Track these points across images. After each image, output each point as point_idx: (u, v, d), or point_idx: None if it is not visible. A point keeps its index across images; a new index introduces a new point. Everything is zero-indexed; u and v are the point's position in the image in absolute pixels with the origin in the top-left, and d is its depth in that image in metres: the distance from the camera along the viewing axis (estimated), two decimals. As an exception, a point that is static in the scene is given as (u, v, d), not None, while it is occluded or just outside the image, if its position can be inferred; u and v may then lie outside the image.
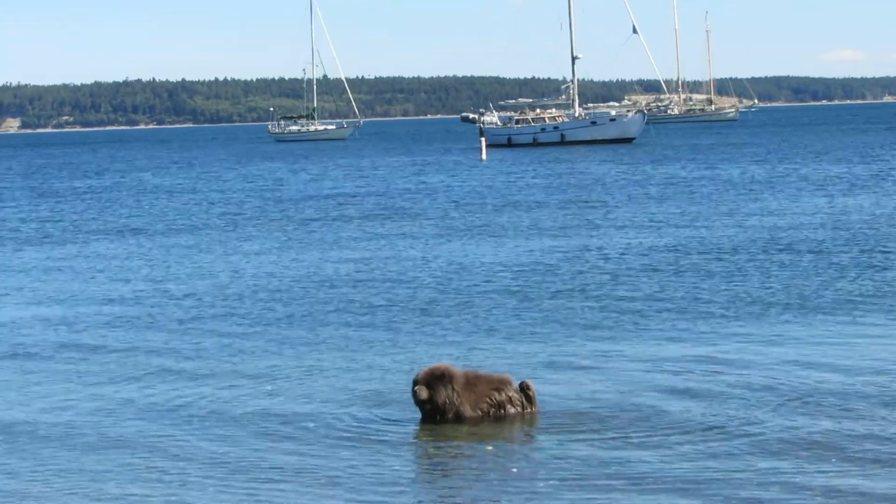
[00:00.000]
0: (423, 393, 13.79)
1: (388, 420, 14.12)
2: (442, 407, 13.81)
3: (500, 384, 14.14)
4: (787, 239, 31.35)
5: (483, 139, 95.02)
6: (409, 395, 14.03)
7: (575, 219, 39.25)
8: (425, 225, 39.15)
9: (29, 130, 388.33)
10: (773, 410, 14.00)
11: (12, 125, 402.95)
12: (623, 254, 29.47)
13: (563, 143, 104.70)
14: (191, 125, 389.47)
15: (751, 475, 11.62)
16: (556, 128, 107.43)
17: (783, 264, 26.59)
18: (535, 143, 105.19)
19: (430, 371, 13.94)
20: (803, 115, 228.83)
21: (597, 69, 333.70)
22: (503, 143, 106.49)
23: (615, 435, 13.17)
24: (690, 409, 14.18)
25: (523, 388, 14.21)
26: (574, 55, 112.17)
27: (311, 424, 14.05)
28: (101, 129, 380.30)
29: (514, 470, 12.08)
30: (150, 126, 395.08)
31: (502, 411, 14.02)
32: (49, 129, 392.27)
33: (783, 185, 51.39)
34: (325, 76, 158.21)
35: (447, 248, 32.26)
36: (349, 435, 13.60)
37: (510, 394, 14.11)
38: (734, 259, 27.78)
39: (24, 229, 42.53)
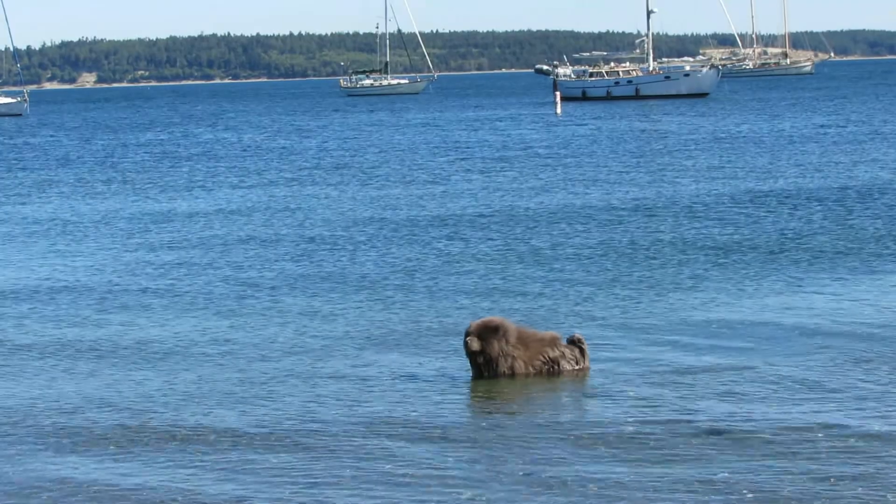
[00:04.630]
0: (475, 344, 13.55)
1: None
2: (496, 360, 13.60)
3: (552, 341, 13.97)
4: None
5: (558, 93, 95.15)
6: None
7: (656, 174, 39.73)
8: (508, 179, 39.75)
9: (105, 85, 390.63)
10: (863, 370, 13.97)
11: (88, 80, 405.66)
12: (706, 209, 30.02)
13: (636, 96, 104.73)
14: (265, 80, 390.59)
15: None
16: (629, 81, 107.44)
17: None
18: (609, 97, 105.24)
19: (483, 323, 13.72)
20: (880, 69, 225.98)
21: (671, 23, 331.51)
22: (577, 96, 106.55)
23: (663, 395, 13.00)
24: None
25: (576, 342, 14.08)
26: (649, 9, 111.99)
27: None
28: (177, 83, 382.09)
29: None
30: (225, 80, 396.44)
31: (556, 367, 13.85)
32: (125, 84, 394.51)
33: (866, 138, 51.51)
34: (398, 30, 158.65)
35: (540, 203, 32.95)
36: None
37: (563, 349, 13.94)
38: (804, 212, 28.22)
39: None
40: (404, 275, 21.26)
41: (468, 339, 13.59)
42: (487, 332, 13.55)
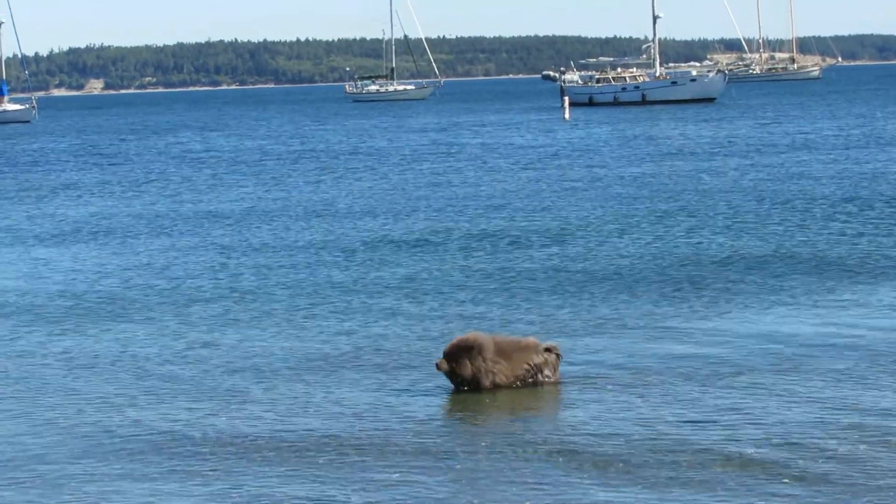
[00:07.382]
0: (444, 366, 13.45)
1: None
2: (475, 378, 13.40)
3: (533, 348, 13.75)
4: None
5: (566, 98, 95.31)
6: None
7: (663, 179, 39.86)
8: (523, 182, 39.90)
9: (112, 91, 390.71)
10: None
11: (96, 86, 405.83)
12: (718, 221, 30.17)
13: (643, 102, 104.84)
14: (272, 85, 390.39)
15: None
16: (636, 87, 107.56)
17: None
18: (616, 103, 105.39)
19: (457, 343, 13.54)
20: (887, 73, 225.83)
21: (678, 28, 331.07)
22: (584, 101, 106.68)
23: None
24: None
25: (551, 350, 13.87)
26: (655, 14, 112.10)
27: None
28: (184, 89, 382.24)
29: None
30: (233, 86, 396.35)
31: (539, 375, 13.63)
32: (132, 90, 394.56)
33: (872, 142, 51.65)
34: (405, 36, 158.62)
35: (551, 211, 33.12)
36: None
37: (546, 356, 13.74)
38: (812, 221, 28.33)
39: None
40: (403, 283, 21.39)
41: (438, 361, 13.54)
42: (460, 352, 13.41)
